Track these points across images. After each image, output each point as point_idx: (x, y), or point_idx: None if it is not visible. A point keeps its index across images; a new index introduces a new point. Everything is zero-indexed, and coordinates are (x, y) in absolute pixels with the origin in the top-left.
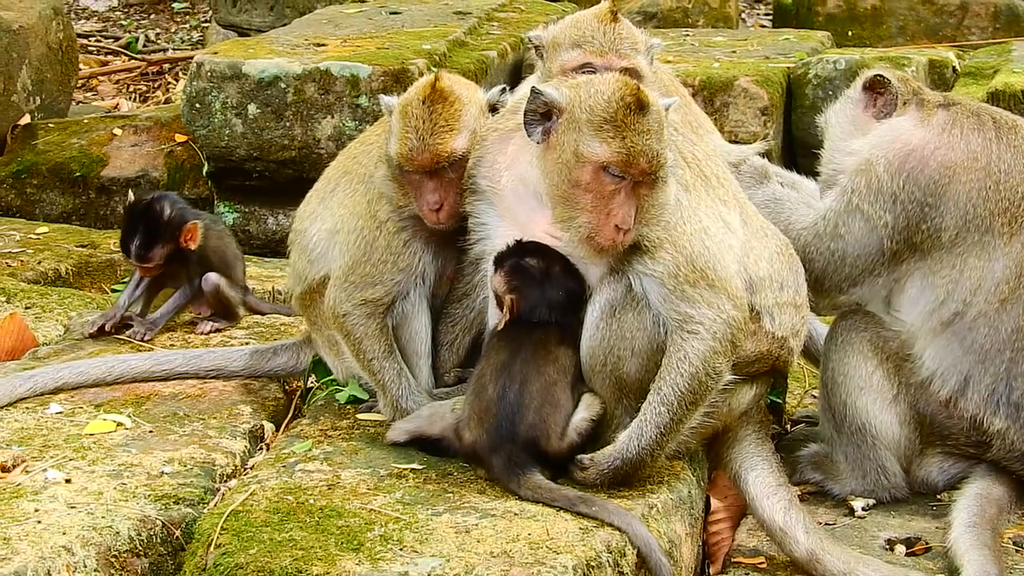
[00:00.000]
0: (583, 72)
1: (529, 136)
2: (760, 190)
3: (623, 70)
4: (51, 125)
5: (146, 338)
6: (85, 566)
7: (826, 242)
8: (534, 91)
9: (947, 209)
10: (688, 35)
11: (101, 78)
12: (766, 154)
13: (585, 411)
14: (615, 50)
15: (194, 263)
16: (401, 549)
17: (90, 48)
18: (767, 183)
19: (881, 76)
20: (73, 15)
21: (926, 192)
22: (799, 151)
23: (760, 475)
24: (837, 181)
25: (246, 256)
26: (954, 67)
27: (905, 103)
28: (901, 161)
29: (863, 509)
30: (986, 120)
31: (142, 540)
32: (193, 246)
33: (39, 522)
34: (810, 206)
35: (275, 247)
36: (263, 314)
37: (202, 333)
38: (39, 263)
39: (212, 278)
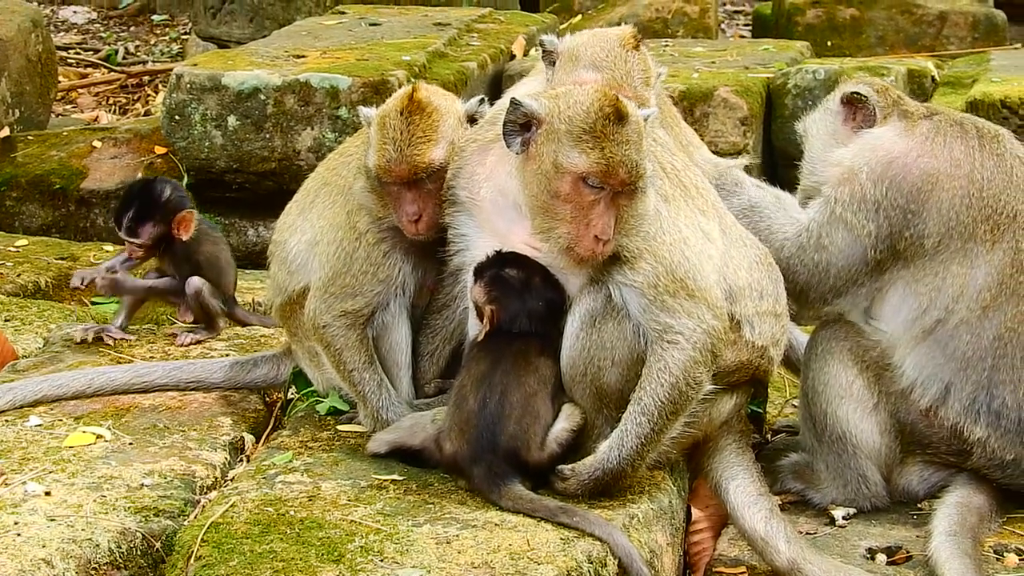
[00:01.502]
0: None
1: (508, 147)
2: (736, 199)
3: None
4: (30, 137)
5: (118, 325)
6: None
7: (810, 254)
8: (513, 102)
9: (930, 216)
10: (668, 45)
11: (81, 91)
12: (748, 168)
13: (565, 421)
14: (630, 82)
15: (183, 260)
16: (382, 560)
17: (69, 60)
18: (743, 191)
19: (857, 93)
20: (52, 27)
21: (909, 199)
22: (779, 161)
23: (741, 484)
24: (819, 192)
25: None
26: (933, 77)
27: (886, 116)
28: (884, 168)
29: (844, 518)
30: (969, 129)
31: (122, 553)
32: (184, 236)
33: (18, 535)
34: (790, 216)
35: (255, 259)
36: (247, 326)
37: (182, 345)
38: (18, 276)
39: (195, 282)
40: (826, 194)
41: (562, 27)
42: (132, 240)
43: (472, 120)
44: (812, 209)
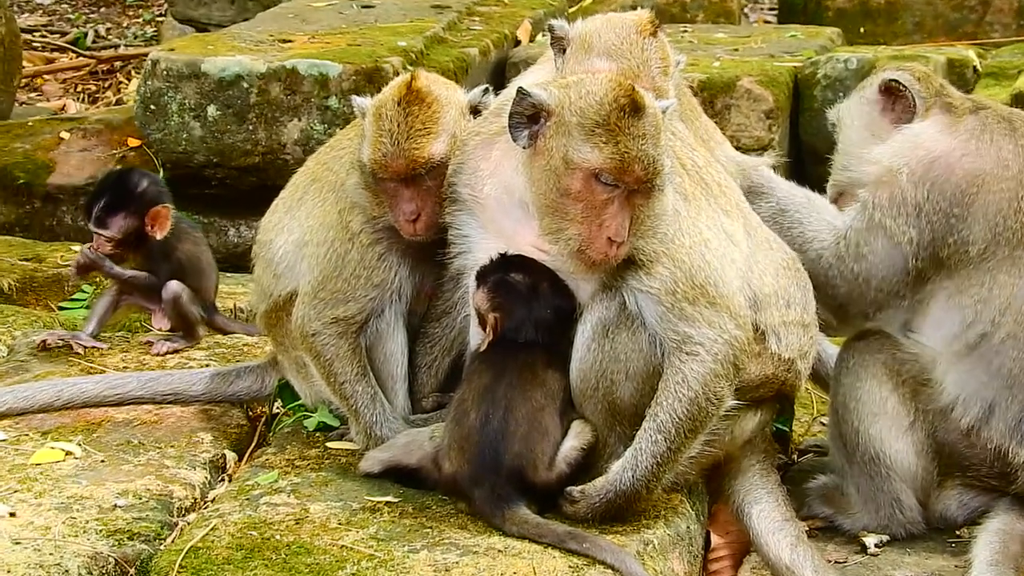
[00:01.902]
0: None
1: (515, 140)
2: (764, 202)
3: None
4: None
5: (89, 332)
6: None
7: (849, 264)
8: (520, 92)
9: (975, 220)
10: (687, 31)
11: (47, 77)
12: (775, 168)
13: (575, 439)
14: (647, 72)
15: (161, 260)
16: None
17: (35, 44)
18: (771, 194)
19: (896, 81)
20: (16, 8)
21: (952, 202)
22: (807, 158)
23: (765, 509)
24: (854, 190)
25: None
26: (975, 67)
27: (928, 108)
28: (925, 169)
29: (876, 546)
30: (1019, 126)
31: None
32: (158, 234)
33: None
34: (825, 221)
35: (237, 261)
36: (228, 334)
37: (158, 354)
38: None
39: (173, 287)
40: (864, 198)
41: (572, 10)
42: (100, 232)
43: (475, 111)
44: (849, 215)
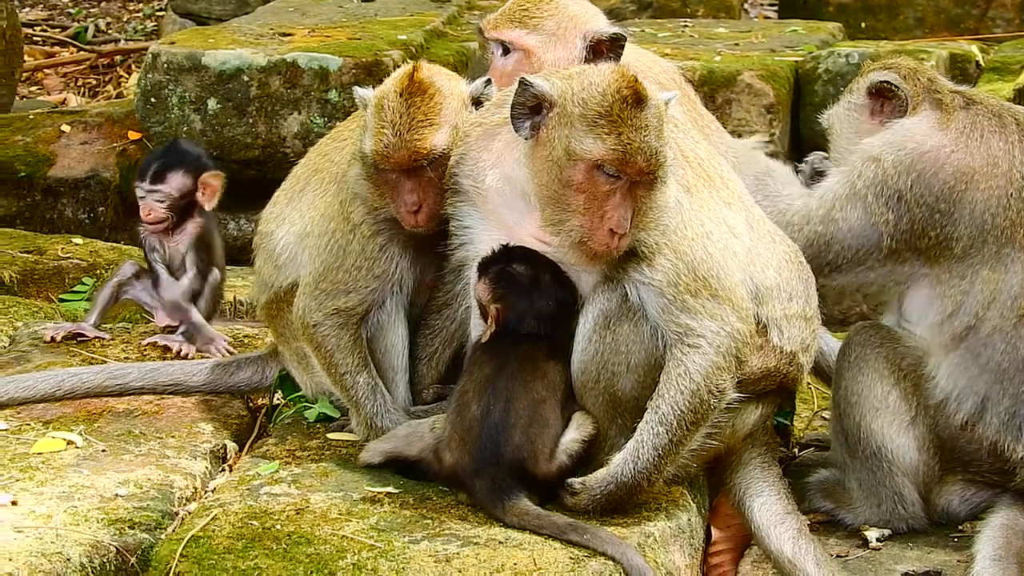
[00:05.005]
0: None
1: (517, 131)
2: (751, 166)
3: None
4: None
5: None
6: None
7: (814, 225)
8: (522, 82)
9: (961, 218)
10: (687, 26)
11: (47, 71)
12: (772, 155)
13: (576, 431)
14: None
15: (200, 240)
16: None
17: (35, 39)
18: (758, 160)
19: (887, 83)
20: (17, 3)
21: (939, 198)
22: (808, 151)
23: (766, 502)
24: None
25: None
26: (977, 62)
27: (915, 106)
28: (913, 160)
29: (878, 540)
30: (1008, 122)
31: (94, 568)
32: (208, 204)
33: None
34: (797, 185)
35: (236, 254)
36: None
37: (184, 355)
38: None
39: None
40: (849, 167)
41: None
42: (158, 188)
43: (477, 103)
44: (831, 179)
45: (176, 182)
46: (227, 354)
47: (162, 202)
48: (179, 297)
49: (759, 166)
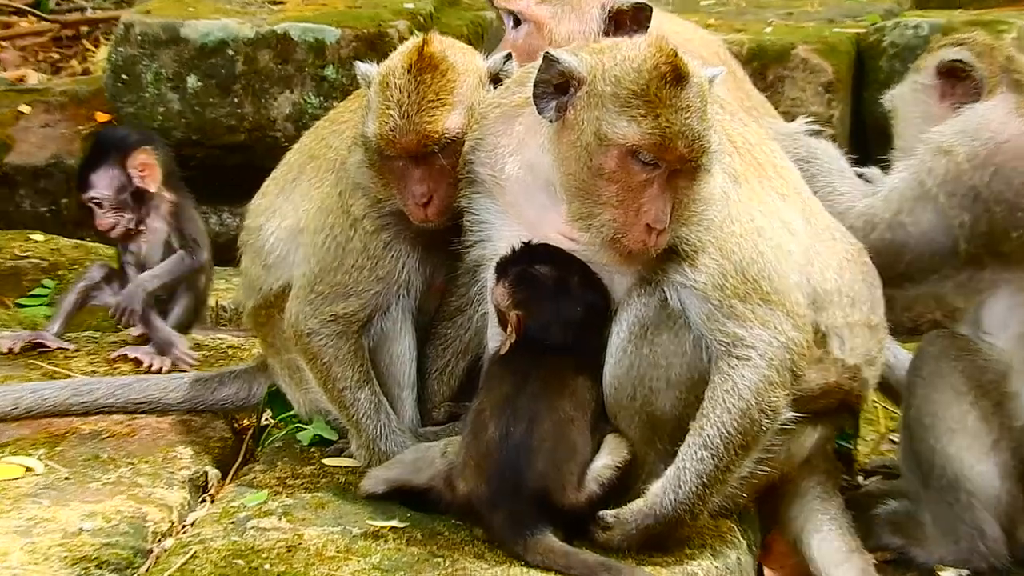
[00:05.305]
0: None
1: (540, 113)
2: (794, 147)
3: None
4: None
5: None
6: None
7: (880, 232)
8: (547, 57)
9: None
10: None
11: (4, 44)
12: (833, 138)
13: (608, 456)
14: None
15: (170, 221)
16: None
17: None
18: (801, 141)
19: (959, 61)
20: None
21: (1020, 193)
22: (873, 137)
23: (827, 538)
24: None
25: None
26: None
27: (992, 88)
28: (990, 153)
29: None
30: None
31: None
32: (151, 185)
33: None
34: (857, 184)
35: (220, 253)
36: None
37: (152, 368)
38: None
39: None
40: (916, 161)
41: None
42: (90, 196)
43: (496, 80)
44: (897, 174)
45: (104, 180)
46: (189, 364)
47: (103, 207)
48: (135, 288)
49: (806, 153)
